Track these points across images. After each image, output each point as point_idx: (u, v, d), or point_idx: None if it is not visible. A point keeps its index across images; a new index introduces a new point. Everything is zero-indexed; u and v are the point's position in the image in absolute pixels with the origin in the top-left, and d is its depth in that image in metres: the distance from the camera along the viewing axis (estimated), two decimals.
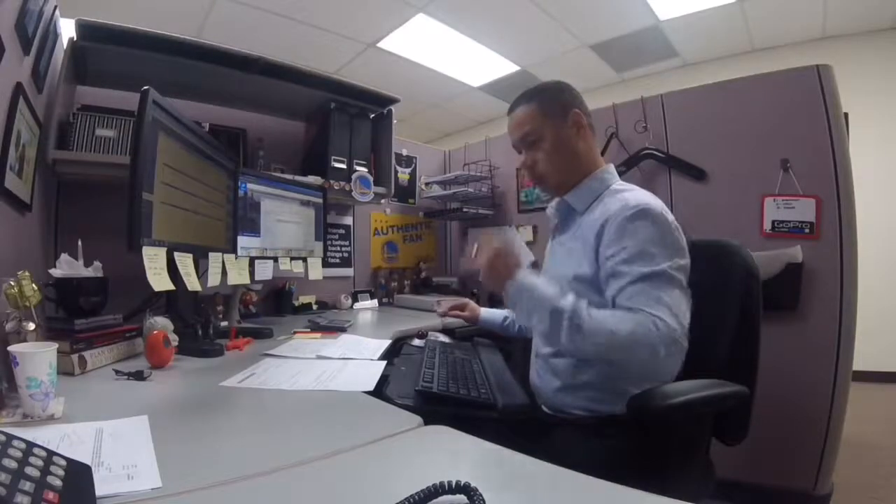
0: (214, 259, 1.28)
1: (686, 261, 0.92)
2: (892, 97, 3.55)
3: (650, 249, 0.88)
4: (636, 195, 0.97)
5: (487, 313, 1.50)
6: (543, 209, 2.42)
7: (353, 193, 2.11)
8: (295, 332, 1.51)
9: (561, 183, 1.09)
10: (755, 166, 1.77)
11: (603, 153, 2.08)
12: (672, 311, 0.83)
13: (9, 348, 0.68)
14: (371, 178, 2.17)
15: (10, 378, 0.69)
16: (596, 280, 0.94)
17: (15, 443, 0.43)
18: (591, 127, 1.10)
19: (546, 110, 1.06)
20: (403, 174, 2.77)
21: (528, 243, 2.52)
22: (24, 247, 1.21)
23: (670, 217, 0.93)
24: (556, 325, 0.87)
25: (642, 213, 0.91)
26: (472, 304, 1.58)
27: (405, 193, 2.77)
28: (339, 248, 2.44)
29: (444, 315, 1.64)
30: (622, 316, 0.84)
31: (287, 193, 1.71)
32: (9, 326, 0.76)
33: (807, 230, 1.67)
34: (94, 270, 1.11)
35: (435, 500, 0.43)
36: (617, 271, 0.89)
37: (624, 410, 0.85)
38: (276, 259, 1.59)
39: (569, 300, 0.88)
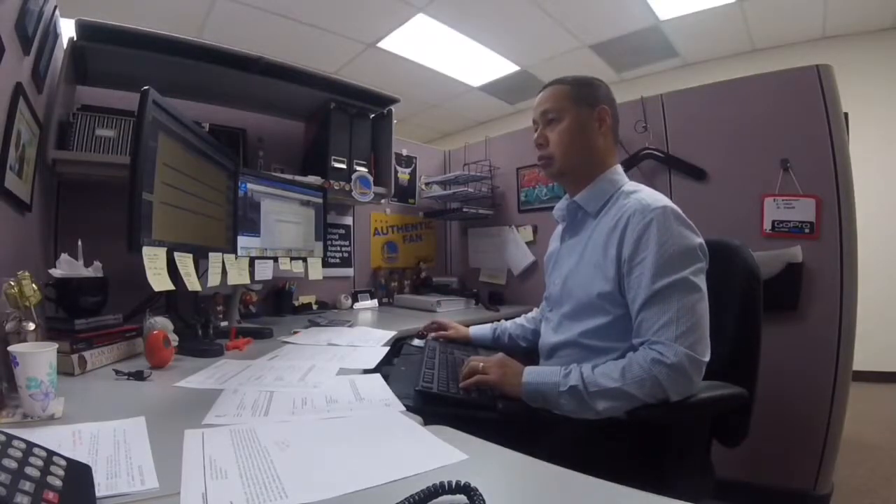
0: (214, 259, 1.28)
1: (704, 263, 0.90)
2: (892, 97, 3.55)
3: (672, 256, 0.86)
4: (653, 196, 0.95)
5: (477, 331, 1.43)
6: (543, 209, 2.45)
7: (353, 193, 2.11)
8: (294, 333, 1.51)
9: (566, 169, 1.06)
10: (755, 166, 1.77)
11: None
12: (677, 332, 0.82)
13: (9, 348, 0.68)
14: (371, 178, 2.17)
15: (10, 378, 0.69)
16: (618, 295, 0.93)
17: (15, 443, 0.43)
18: (615, 132, 1.08)
19: (575, 94, 1.04)
20: (403, 174, 2.76)
21: (528, 243, 2.53)
22: (24, 247, 1.21)
23: (685, 217, 0.92)
24: (580, 399, 0.86)
25: (663, 216, 0.89)
26: (455, 325, 1.45)
27: (405, 193, 2.77)
28: (339, 248, 2.44)
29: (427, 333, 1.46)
30: (625, 369, 0.84)
31: (287, 193, 1.71)
32: (9, 326, 0.76)
33: (807, 230, 1.67)
34: (94, 270, 1.11)
35: (435, 500, 0.43)
36: (636, 282, 0.88)
37: (624, 415, 0.85)
38: (276, 259, 1.59)
39: (572, 376, 0.87)
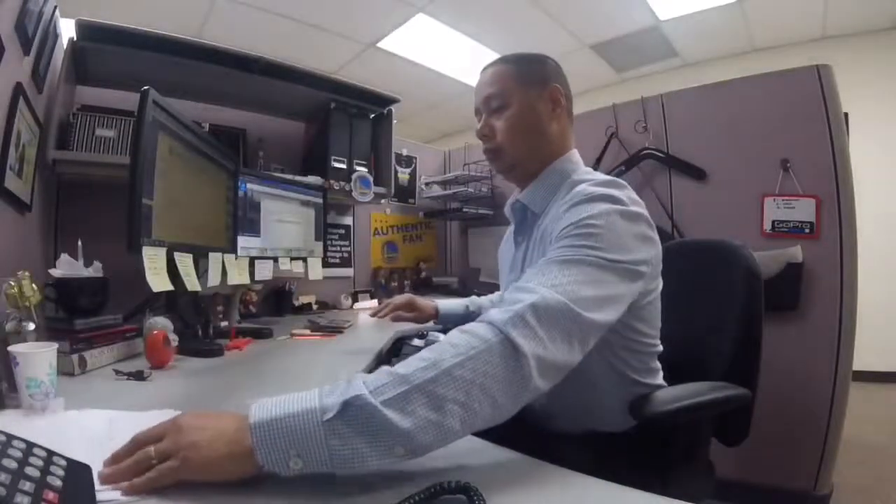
0: (214, 259, 1.28)
1: (646, 271, 0.71)
2: (892, 97, 3.55)
3: (588, 231, 0.66)
4: (604, 185, 0.75)
5: (447, 307, 1.24)
6: None
7: (353, 193, 2.11)
8: (293, 334, 1.51)
9: (518, 162, 0.90)
10: (755, 166, 1.77)
11: (603, 153, 2.08)
12: (552, 284, 0.60)
13: (9, 348, 0.68)
14: (371, 178, 2.17)
15: (10, 378, 0.69)
16: None
17: (15, 443, 0.43)
18: (570, 112, 0.92)
19: (521, 75, 0.89)
20: (403, 174, 2.77)
21: None
22: (24, 247, 1.21)
23: (643, 211, 0.74)
24: (371, 416, 0.47)
25: (600, 198, 0.71)
26: (419, 300, 1.29)
27: (405, 193, 2.77)
28: (339, 248, 2.44)
29: (383, 318, 1.30)
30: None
31: (287, 193, 1.71)
32: (9, 326, 0.76)
33: (807, 230, 1.67)
34: (94, 270, 1.11)
35: (435, 501, 0.43)
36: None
37: (621, 429, 0.83)
38: (276, 259, 1.59)
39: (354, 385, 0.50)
